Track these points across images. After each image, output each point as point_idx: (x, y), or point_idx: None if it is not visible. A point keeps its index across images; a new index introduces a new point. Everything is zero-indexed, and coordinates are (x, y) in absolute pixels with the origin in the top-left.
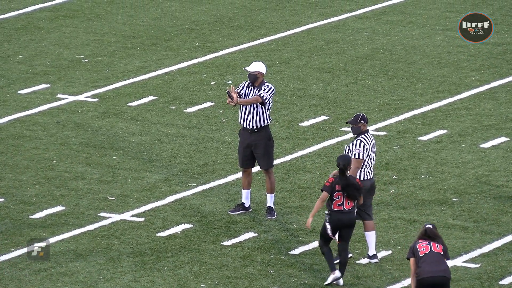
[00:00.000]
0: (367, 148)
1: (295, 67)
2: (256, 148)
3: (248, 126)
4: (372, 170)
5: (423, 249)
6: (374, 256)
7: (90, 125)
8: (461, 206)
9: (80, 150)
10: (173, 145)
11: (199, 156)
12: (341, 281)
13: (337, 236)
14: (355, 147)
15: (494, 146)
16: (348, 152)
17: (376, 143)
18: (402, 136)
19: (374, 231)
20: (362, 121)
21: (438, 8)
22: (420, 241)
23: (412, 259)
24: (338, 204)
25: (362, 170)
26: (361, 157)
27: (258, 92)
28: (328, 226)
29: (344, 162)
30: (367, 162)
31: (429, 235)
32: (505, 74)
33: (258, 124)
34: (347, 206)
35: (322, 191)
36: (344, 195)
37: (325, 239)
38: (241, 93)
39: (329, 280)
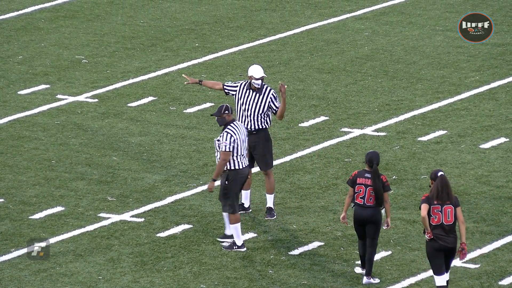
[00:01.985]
0: (234, 139)
1: (295, 67)
2: (255, 149)
3: (246, 128)
4: (244, 158)
5: (435, 217)
6: (228, 236)
7: (90, 126)
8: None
9: (80, 150)
10: (172, 146)
11: (198, 156)
12: (364, 279)
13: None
14: (223, 140)
15: (493, 146)
16: (217, 145)
17: (376, 143)
18: (402, 136)
19: (238, 224)
20: (226, 112)
21: (438, 8)
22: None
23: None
24: (359, 197)
25: (239, 159)
26: (228, 149)
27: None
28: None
29: (369, 158)
30: (242, 151)
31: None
32: (505, 74)
33: (256, 126)
34: (369, 201)
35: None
36: (366, 189)
37: (358, 235)
38: (239, 96)
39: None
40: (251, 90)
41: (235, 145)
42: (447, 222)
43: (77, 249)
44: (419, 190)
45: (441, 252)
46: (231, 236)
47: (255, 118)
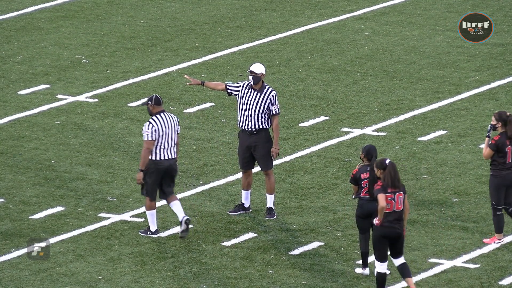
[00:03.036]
0: (155, 129)
1: (295, 67)
2: (255, 149)
3: (246, 128)
4: (171, 151)
5: (388, 205)
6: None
7: (90, 126)
8: (460, 207)
9: (80, 150)
10: None
11: (198, 156)
12: (365, 271)
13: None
14: (145, 129)
15: None
16: (143, 135)
17: (376, 143)
18: (402, 136)
19: (153, 211)
20: (150, 102)
21: (438, 8)
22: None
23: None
24: (365, 192)
25: (159, 150)
26: (149, 138)
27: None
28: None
29: (366, 150)
30: (164, 143)
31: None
32: (504, 74)
33: (257, 126)
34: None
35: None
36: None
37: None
38: (241, 96)
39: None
40: (252, 90)
41: (157, 135)
42: (398, 208)
43: (77, 249)
44: (419, 190)
45: (388, 238)
46: (184, 228)
47: (256, 117)
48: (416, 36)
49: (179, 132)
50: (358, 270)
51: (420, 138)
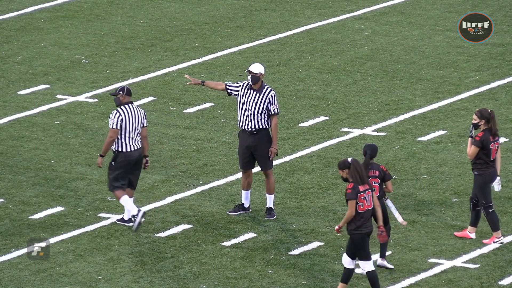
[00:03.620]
0: (122, 119)
1: (295, 67)
2: (256, 149)
3: (246, 128)
4: (138, 142)
5: (362, 204)
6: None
7: (89, 126)
8: (460, 207)
9: (80, 150)
10: (172, 146)
11: (198, 156)
12: (378, 260)
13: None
14: (111, 118)
15: None
16: (109, 122)
17: (376, 143)
18: (402, 136)
19: (124, 196)
20: (121, 92)
21: (437, 8)
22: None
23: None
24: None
25: (128, 141)
26: (114, 126)
27: (261, 102)
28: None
29: (368, 150)
30: (132, 134)
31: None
32: (504, 74)
33: (256, 125)
34: (375, 192)
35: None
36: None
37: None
38: (241, 95)
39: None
40: (251, 90)
41: (123, 125)
42: (369, 207)
43: (77, 249)
44: (419, 190)
45: (366, 237)
46: (125, 220)
47: (256, 117)
48: (416, 36)
49: (146, 125)
50: (359, 270)
51: (420, 138)
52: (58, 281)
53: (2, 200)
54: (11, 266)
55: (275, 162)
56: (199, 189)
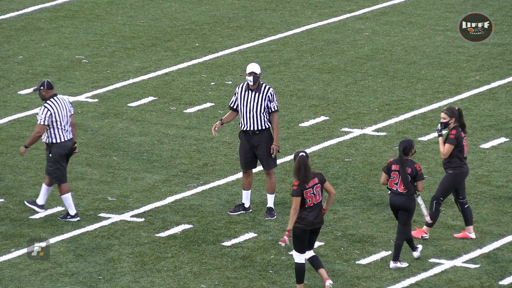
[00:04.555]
0: (51, 114)
1: (295, 67)
2: (258, 149)
3: (249, 129)
4: (67, 132)
5: (309, 200)
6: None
7: (90, 126)
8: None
9: (80, 150)
10: (173, 146)
11: (199, 156)
12: (391, 263)
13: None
14: (40, 114)
15: (494, 146)
16: (37, 118)
17: (376, 143)
18: (402, 136)
19: (67, 194)
20: (42, 87)
21: (438, 8)
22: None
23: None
24: (393, 184)
25: (61, 132)
26: (42, 123)
27: (262, 101)
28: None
29: (400, 146)
30: (63, 125)
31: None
32: (505, 74)
33: (259, 126)
34: (401, 188)
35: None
36: (400, 176)
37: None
38: (241, 98)
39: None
40: (249, 91)
41: (53, 119)
42: (317, 201)
43: (77, 249)
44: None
45: (309, 231)
46: (37, 205)
47: (257, 118)
48: (416, 36)
49: (73, 113)
50: (393, 265)
51: (420, 138)
52: (58, 281)
53: (2, 200)
54: (11, 266)
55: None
56: (199, 189)
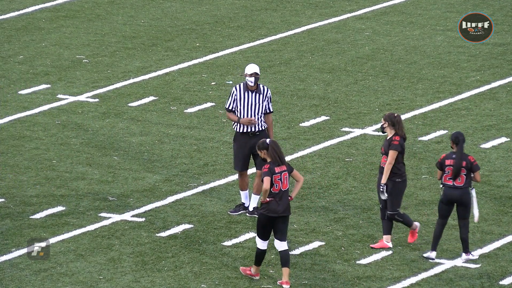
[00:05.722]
0: None
1: (296, 67)
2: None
3: (250, 130)
4: None
5: (276, 185)
6: None
7: (90, 126)
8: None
9: (81, 150)
10: (173, 146)
11: (199, 156)
12: (463, 256)
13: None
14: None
15: (494, 146)
16: None
17: (377, 143)
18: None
19: None
20: None
21: (438, 8)
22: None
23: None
24: (448, 178)
25: None
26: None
27: (263, 102)
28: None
29: (455, 136)
30: None
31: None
32: (505, 74)
33: (259, 127)
34: (458, 182)
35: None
36: (453, 170)
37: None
38: (241, 99)
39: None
40: (249, 92)
41: None
42: (284, 188)
43: (78, 248)
44: (420, 190)
45: (273, 219)
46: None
47: (258, 119)
48: (416, 36)
49: None
50: (426, 254)
51: (420, 138)
52: (59, 281)
53: (3, 199)
54: (12, 266)
55: None
56: (200, 188)
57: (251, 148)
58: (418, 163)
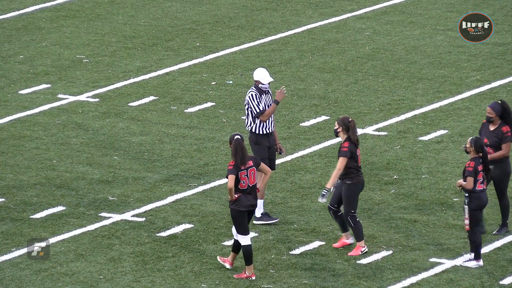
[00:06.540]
0: None
1: (296, 67)
2: (271, 150)
3: (270, 131)
4: None
5: (243, 182)
6: None
7: (90, 125)
8: (461, 206)
9: (81, 150)
10: (173, 145)
11: (199, 156)
12: (479, 262)
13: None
14: None
15: None
16: None
17: (377, 143)
18: (403, 136)
19: None
20: None
21: (439, 8)
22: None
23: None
24: (480, 183)
25: None
26: None
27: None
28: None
29: (473, 143)
30: None
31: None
32: (505, 74)
33: (272, 126)
34: (484, 185)
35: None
36: (483, 174)
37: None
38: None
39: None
40: (264, 94)
41: None
42: (252, 183)
43: (78, 248)
44: (420, 190)
45: (246, 213)
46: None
47: (271, 119)
48: (417, 36)
49: None
50: (472, 263)
51: (421, 138)
52: (59, 281)
53: (3, 199)
54: (12, 266)
55: (276, 162)
56: (200, 188)
57: (269, 148)
58: (418, 163)
